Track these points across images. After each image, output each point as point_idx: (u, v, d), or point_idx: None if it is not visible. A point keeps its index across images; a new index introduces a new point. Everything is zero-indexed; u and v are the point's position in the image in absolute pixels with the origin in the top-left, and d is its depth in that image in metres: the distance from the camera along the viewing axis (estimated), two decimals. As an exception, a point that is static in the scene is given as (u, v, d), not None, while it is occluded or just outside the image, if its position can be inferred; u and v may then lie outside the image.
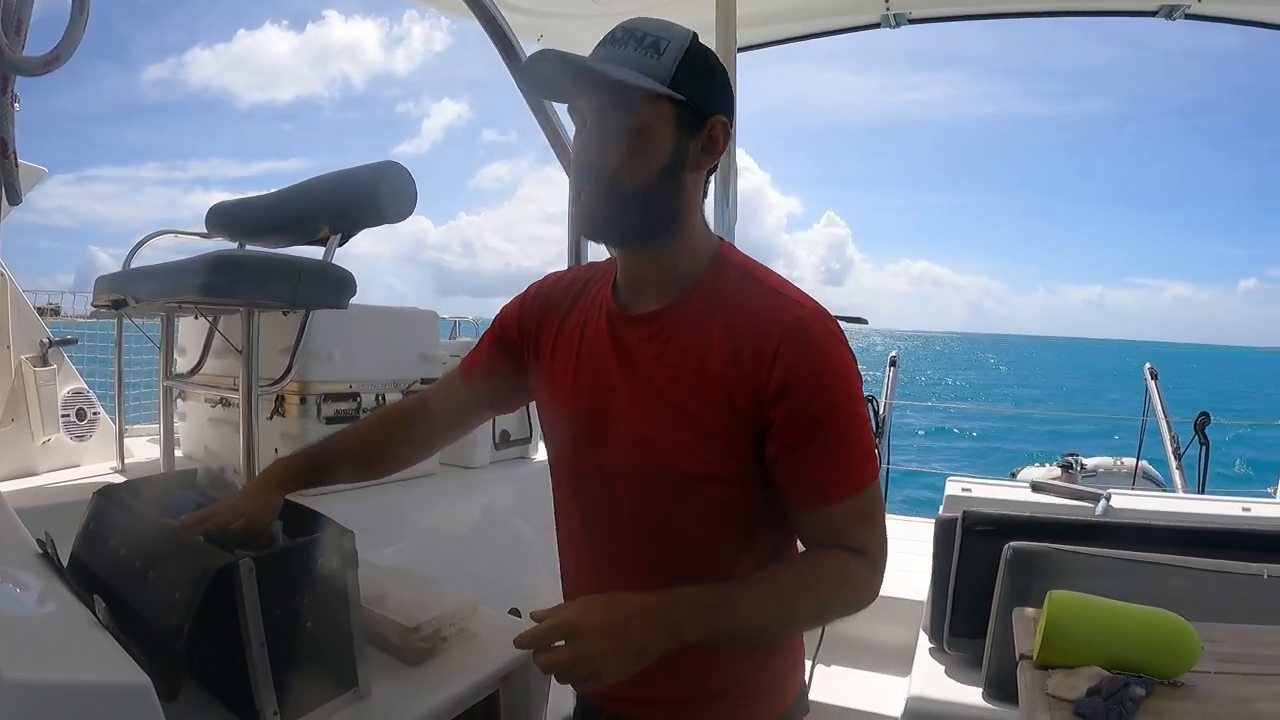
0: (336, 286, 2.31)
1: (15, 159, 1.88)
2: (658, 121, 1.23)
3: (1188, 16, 3.33)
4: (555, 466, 1.51)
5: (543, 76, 1.25)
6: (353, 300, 2.40)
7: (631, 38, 1.23)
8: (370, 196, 2.45)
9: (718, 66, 1.31)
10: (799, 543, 1.33)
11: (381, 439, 1.65)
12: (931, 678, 2.81)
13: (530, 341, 1.51)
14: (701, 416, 1.26)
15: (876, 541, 1.28)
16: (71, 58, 1.77)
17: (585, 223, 1.31)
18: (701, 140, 1.28)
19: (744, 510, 1.32)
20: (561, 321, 1.46)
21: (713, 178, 1.37)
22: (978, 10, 3.64)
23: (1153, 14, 3.37)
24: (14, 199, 1.98)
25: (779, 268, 1.44)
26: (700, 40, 1.28)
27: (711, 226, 1.40)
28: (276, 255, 2.37)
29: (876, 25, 3.67)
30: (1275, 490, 5.17)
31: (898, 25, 3.63)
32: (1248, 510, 3.31)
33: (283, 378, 2.36)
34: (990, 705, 2.61)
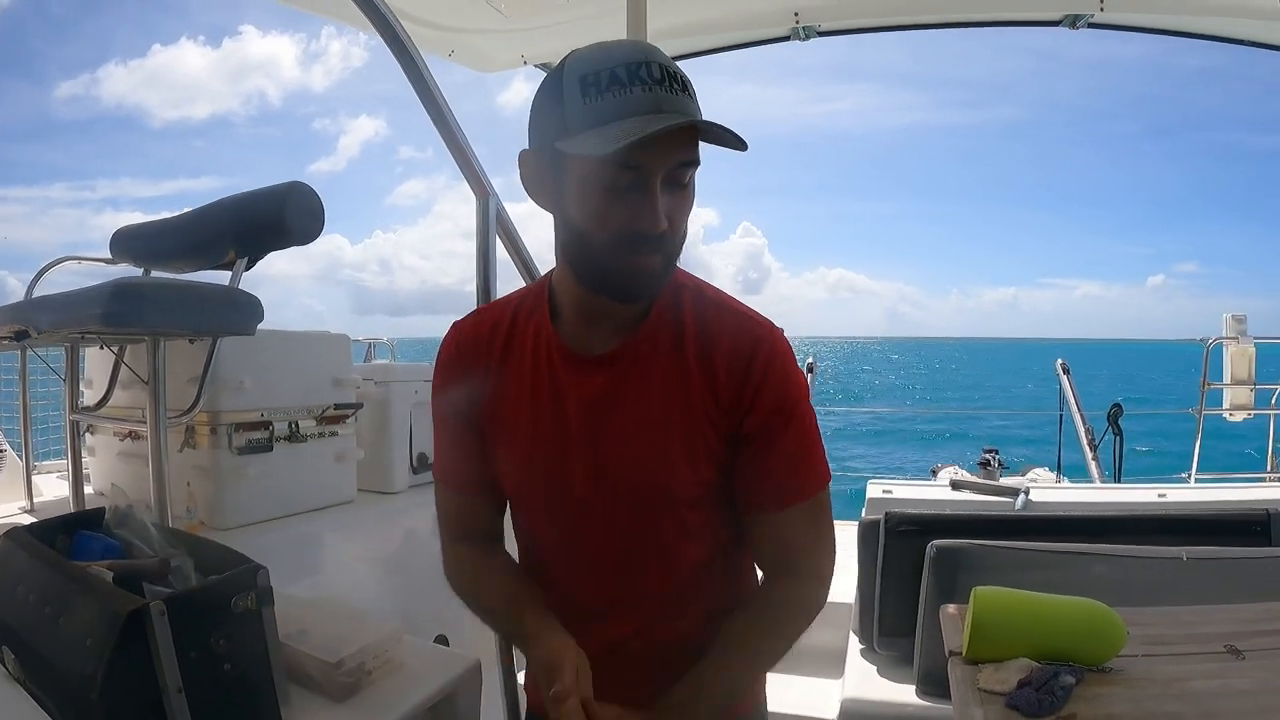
0: (243, 312, 2.24)
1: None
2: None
3: (1091, 25, 3.42)
4: (522, 513, 1.51)
5: (651, 138, 1.10)
6: (265, 325, 2.34)
7: (675, 80, 1.15)
8: (276, 218, 2.38)
9: None
10: (751, 544, 1.42)
11: (505, 585, 1.53)
12: (864, 678, 2.84)
13: (467, 405, 1.44)
14: (689, 443, 1.31)
15: (824, 550, 1.38)
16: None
17: (647, 284, 1.24)
18: None
19: (719, 520, 1.40)
20: (498, 375, 1.41)
21: None
22: (885, 22, 3.70)
23: (1057, 24, 3.46)
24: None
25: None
26: None
27: None
28: (181, 282, 2.30)
29: (787, 38, 3.72)
30: (1189, 475, 5.31)
31: (807, 38, 3.67)
32: (1164, 496, 3.43)
33: (191, 408, 2.29)
34: (924, 702, 2.64)
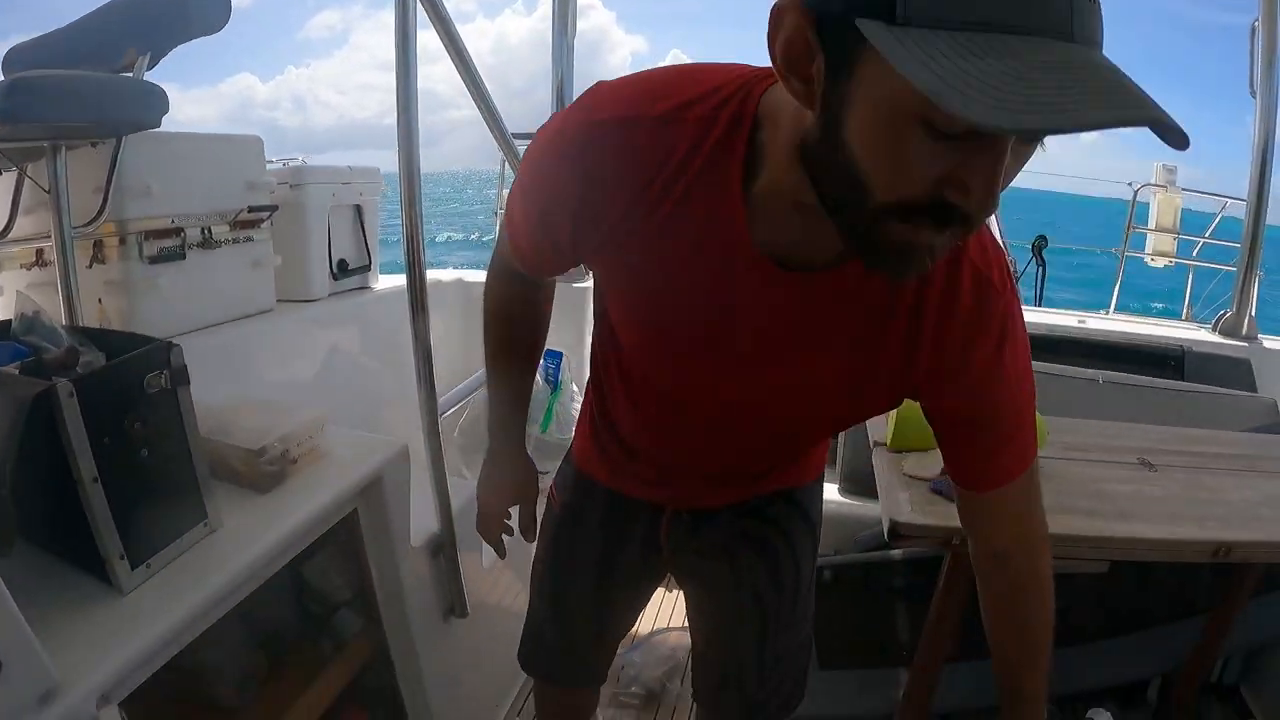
0: (145, 101, 2.13)
1: None
2: None
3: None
4: (630, 348, 1.26)
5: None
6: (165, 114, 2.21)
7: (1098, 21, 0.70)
8: (179, 7, 2.24)
9: None
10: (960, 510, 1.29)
11: (525, 334, 1.49)
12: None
13: (589, 238, 1.06)
14: (860, 394, 1.12)
15: (1041, 511, 1.26)
16: None
17: (920, 266, 0.84)
18: None
19: None
20: (639, 230, 1.01)
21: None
22: None
23: None
24: None
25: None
26: None
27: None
28: (76, 74, 2.17)
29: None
30: (1108, 311, 5.43)
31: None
32: (1083, 323, 3.52)
33: (96, 217, 2.18)
34: (845, 499, 2.72)
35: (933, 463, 1.76)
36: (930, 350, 1.04)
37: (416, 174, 1.78)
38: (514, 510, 1.62)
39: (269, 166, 2.83)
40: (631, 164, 0.97)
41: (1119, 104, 0.64)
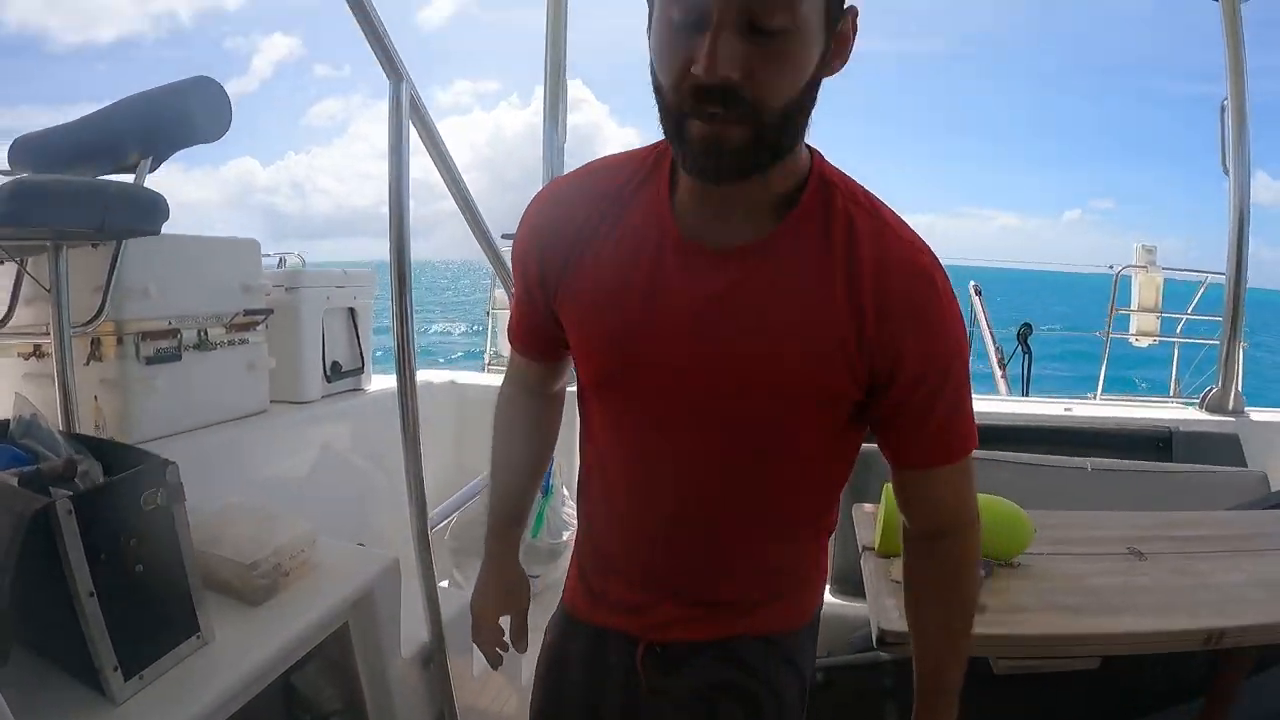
0: (147, 210, 2.15)
1: None
2: (811, 19, 0.94)
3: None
4: (597, 399, 1.30)
5: None
6: (169, 233, 2.25)
7: None
8: (182, 114, 2.28)
9: None
10: (896, 493, 1.26)
11: (526, 448, 1.50)
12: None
13: (553, 273, 1.21)
14: (813, 373, 1.11)
15: (974, 500, 1.25)
16: None
17: (714, 156, 0.98)
18: (836, 38, 1.00)
19: (835, 461, 1.26)
20: (592, 252, 1.16)
21: None
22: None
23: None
24: None
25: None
26: None
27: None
28: (81, 179, 2.21)
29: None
30: (1095, 395, 5.46)
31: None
32: (1069, 410, 3.53)
33: (96, 316, 2.21)
34: (837, 600, 2.70)
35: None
36: (873, 303, 1.06)
37: (408, 292, 1.84)
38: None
39: (266, 259, 2.87)
40: (588, 187, 1.19)
41: None
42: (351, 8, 1.75)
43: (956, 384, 1.13)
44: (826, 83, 1.01)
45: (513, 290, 1.33)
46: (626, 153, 1.21)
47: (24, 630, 1.15)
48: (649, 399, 1.20)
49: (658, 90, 0.99)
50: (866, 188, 1.13)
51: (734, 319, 1.10)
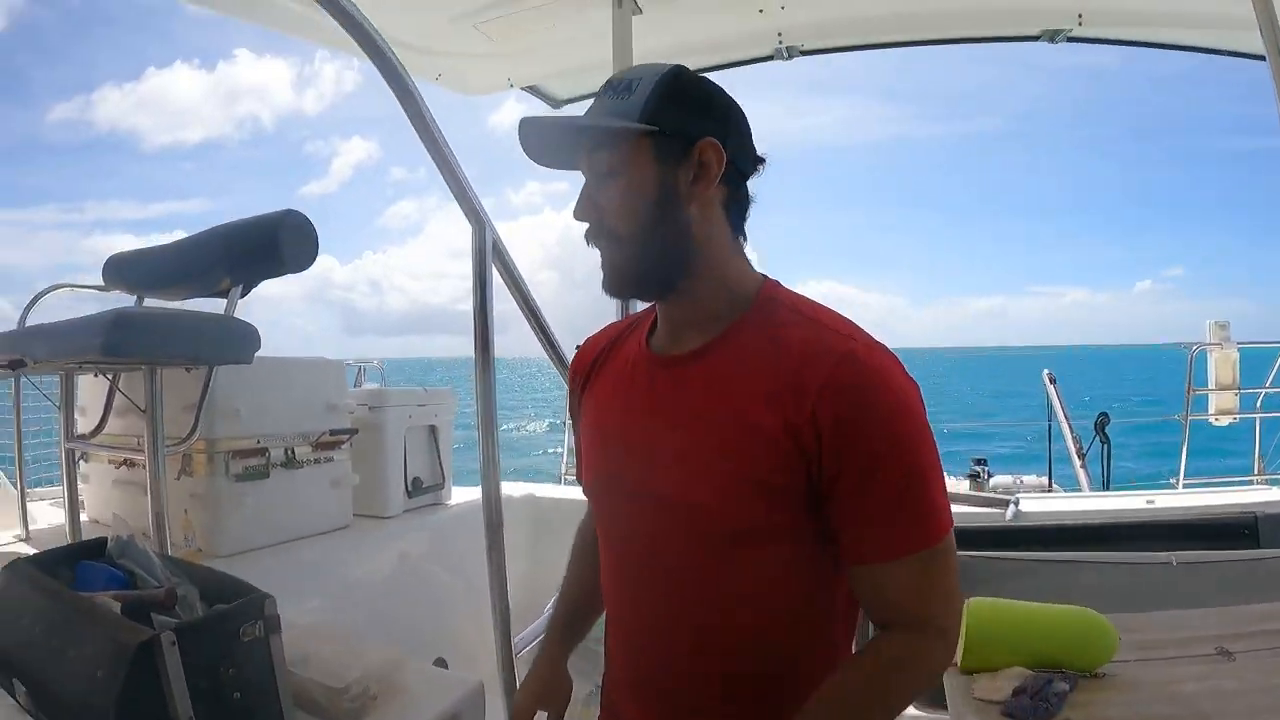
0: (240, 341, 2.26)
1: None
2: (637, 158, 1.19)
3: (1070, 40, 3.44)
4: (595, 517, 1.49)
5: (534, 146, 1.27)
6: (259, 350, 2.34)
7: (608, 88, 1.23)
8: (270, 247, 2.39)
9: (705, 92, 1.24)
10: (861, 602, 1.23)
11: (594, 574, 1.50)
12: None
13: (578, 405, 1.50)
14: (745, 465, 1.15)
15: (941, 603, 1.18)
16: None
17: (605, 281, 1.27)
18: (691, 168, 1.19)
19: (799, 566, 1.22)
20: (600, 371, 1.43)
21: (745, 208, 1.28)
22: (866, 41, 3.70)
23: (1035, 39, 3.49)
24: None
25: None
26: (686, 72, 1.24)
27: None
28: (178, 311, 2.32)
29: (770, 58, 3.71)
30: (1177, 481, 5.34)
31: (790, 57, 3.68)
32: (1151, 502, 3.46)
33: (188, 436, 2.30)
34: (922, 713, 2.65)
35: (1004, 684, 1.74)
36: (793, 385, 1.13)
37: (494, 430, 1.98)
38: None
39: (348, 368, 2.95)
40: (605, 332, 1.50)
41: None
42: (437, 164, 1.85)
43: (896, 472, 1.12)
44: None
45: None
46: (633, 314, 1.49)
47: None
48: (623, 506, 1.35)
49: None
50: (819, 303, 1.25)
51: (667, 414, 1.25)
